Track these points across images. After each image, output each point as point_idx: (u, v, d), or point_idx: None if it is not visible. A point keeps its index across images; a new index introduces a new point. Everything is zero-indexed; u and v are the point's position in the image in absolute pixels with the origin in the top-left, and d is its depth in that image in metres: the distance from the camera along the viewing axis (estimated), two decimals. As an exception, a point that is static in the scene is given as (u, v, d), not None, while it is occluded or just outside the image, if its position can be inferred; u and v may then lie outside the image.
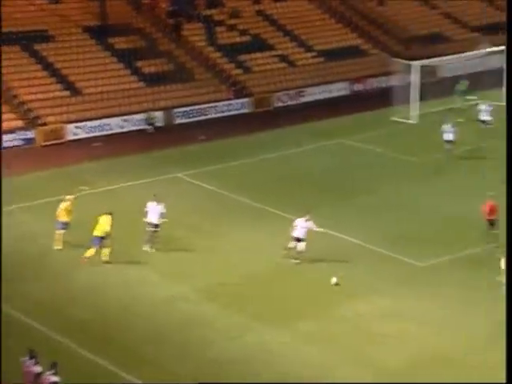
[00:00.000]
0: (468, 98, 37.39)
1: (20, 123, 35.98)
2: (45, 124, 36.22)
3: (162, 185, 30.02)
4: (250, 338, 20.24)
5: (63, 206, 24.85)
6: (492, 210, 24.47)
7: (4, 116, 35.38)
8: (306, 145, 34.64)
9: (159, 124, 37.93)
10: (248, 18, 45.48)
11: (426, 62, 38.50)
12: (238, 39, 43.85)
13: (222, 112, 39.58)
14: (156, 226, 24.54)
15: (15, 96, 37.12)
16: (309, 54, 44.17)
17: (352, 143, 34.80)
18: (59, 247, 24.55)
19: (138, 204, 25.96)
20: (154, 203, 24.62)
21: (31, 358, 16.81)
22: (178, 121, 38.68)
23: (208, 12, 45.00)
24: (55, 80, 38.51)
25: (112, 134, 36.75)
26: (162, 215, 24.58)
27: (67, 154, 34.12)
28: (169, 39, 42.77)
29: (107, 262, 23.74)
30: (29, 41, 39.48)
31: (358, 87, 42.66)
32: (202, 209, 28.31)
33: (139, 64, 40.63)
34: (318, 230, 23.82)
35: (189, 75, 41.05)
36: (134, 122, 37.60)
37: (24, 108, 36.86)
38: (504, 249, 21.71)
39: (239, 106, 40.14)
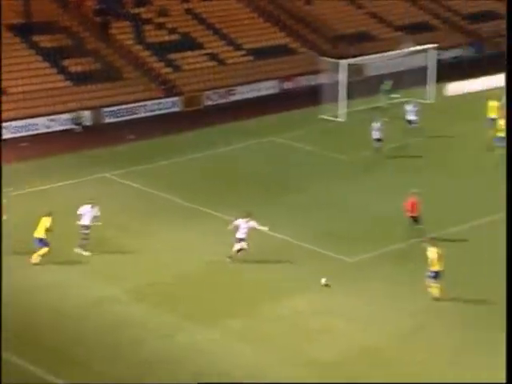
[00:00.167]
0: (393, 96, 38.13)
1: None
2: (-31, 124, 35.28)
3: (90, 185, 29.64)
4: (181, 337, 20.19)
5: None
6: (414, 207, 25.05)
7: None
8: (236, 143, 34.72)
9: (87, 123, 37.42)
10: (177, 16, 45.28)
11: (353, 60, 39.13)
12: (166, 38, 43.61)
13: (152, 111, 39.31)
14: (88, 228, 24.27)
15: None
16: (238, 53, 44.29)
17: (282, 141, 35.06)
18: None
19: (68, 205, 25.51)
20: (89, 206, 24.34)
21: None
22: (107, 120, 38.23)
23: (136, 10, 44.60)
24: (-22, 79, 37.53)
25: (39, 134, 36.07)
26: (95, 218, 24.33)
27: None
28: (96, 38, 42.20)
29: (36, 264, 23.36)
30: (-50, 39, 38.36)
31: (287, 85, 43.00)
32: (132, 209, 28.06)
33: (66, 63, 39.95)
34: (260, 228, 23.86)
35: (117, 74, 40.61)
36: (61, 122, 36.98)
37: None
38: (431, 240, 22.43)
39: (169, 104, 39.93)
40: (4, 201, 25.11)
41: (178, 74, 42.02)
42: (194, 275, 23.41)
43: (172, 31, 43.95)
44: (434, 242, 22.42)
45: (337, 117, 37.33)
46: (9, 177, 29.93)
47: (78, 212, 24.30)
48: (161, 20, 44.44)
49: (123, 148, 34.53)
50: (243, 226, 23.65)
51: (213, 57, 43.52)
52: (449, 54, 46.23)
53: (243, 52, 44.36)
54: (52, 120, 36.79)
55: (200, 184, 30.34)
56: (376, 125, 32.11)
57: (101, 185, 30.01)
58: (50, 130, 36.55)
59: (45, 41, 40.50)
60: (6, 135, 35.51)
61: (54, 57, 39.83)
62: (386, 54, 40.13)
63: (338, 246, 24.83)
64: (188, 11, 45.97)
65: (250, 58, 44.13)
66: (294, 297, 22.11)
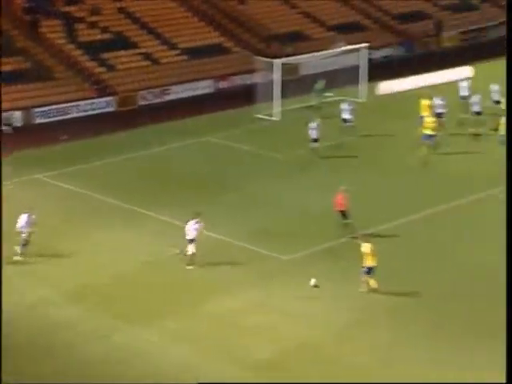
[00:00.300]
0: (326, 95, 38.54)
1: None
2: None
3: (22, 187, 29.07)
4: (118, 338, 20.02)
5: None
6: (341, 202, 25.44)
7: None
8: (172, 143, 34.56)
9: (18, 124, 36.64)
10: (109, 15, 44.77)
11: (287, 59, 39.39)
12: (99, 37, 43.07)
13: (85, 111, 38.77)
14: (26, 233, 23.89)
15: None
16: (172, 52, 44.08)
17: (217, 141, 35.07)
18: None
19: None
20: (27, 214, 23.97)
21: None
22: (38, 121, 37.52)
23: (67, 9, 43.90)
24: None
25: (-33, 136, 35.15)
26: (31, 224, 23.95)
27: None
28: (26, 36, 41.35)
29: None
30: None
31: (222, 85, 43.02)
32: (66, 211, 27.65)
33: (-5, 62, 39.05)
34: (204, 232, 23.76)
35: (48, 74, 39.89)
36: (-10, 123, 36.13)
37: None
38: (364, 237, 22.83)
39: (103, 104, 39.46)
40: None
41: (112, 74, 41.55)
42: (131, 276, 23.23)
43: (105, 30, 43.43)
44: (367, 238, 22.82)
45: (272, 116, 37.54)
46: None
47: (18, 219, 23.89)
48: (93, 19, 43.86)
49: (56, 149, 33.96)
50: (192, 227, 23.53)
51: (147, 56, 43.20)
52: (380, 54, 47.01)
53: (177, 51, 44.17)
54: (-19, 121, 35.94)
55: (135, 184, 30.09)
56: (313, 125, 32.39)
57: (33, 187, 29.46)
58: (-21, 131, 35.68)
59: (-28, 40, 39.53)
60: None
61: (-18, 56, 38.90)
62: (319, 53, 40.57)
63: (274, 243, 24.99)
64: (121, 10, 45.50)
65: (185, 57, 43.98)
66: (231, 295, 22.16)
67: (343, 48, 41.52)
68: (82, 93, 39.66)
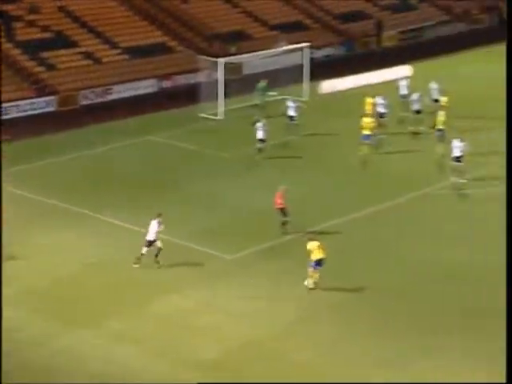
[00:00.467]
0: (269, 94, 38.71)
1: None
2: None
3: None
4: (61, 341, 19.77)
5: None
6: (280, 200, 25.60)
7: None
8: (115, 143, 34.25)
9: (-44, 125, 35.76)
10: (49, 14, 44.09)
11: (230, 59, 39.43)
12: (39, 35, 42.40)
13: (25, 111, 38.13)
14: None
15: None
16: (114, 51, 43.68)
17: (161, 140, 34.89)
18: None
19: None
20: None
21: None
22: (-23, 121, 36.69)
23: (4, 7, 43.03)
24: None
25: None
26: None
27: None
28: (-38, 35, 40.44)
29: None
30: None
31: (166, 84, 42.82)
32: (6, 212, 27.06)
33: None
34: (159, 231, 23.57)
35: (-14, 73, 39.04)
36: None
37: None
38: (309, 234, 23.06)
39: (43, 104, 38.86)
40: None
41: (52, 73, 40.95)
42: (74, 278, 22.95)
43: (44, 29, 42.77)
44: (313, 235, 23.05)
45: (216, 115, 37.54)
46: None
47: None
48: (32, 17, 43.13)
49: (-5, 150, 33.27)
50: (154, 227, 23.39)
51: (88, 55, 42.70)
52: (321, 53, 47.49)
53: (119, 50, 43.80)
54: None
55: (77, 185, 29.73)
56: (259, 125, 32.44)
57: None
58: None
59: None
60: None
61: None
62: (262, 52, 40.75)
63: (218, 243, 25.01)
64: (61, 9, 44.86)
65: (127, 56, 43.63)
66: (175, 295, 22.11)
67: (286, 47, 41.80)
68: (21, 92, 38.98)
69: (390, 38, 51.34)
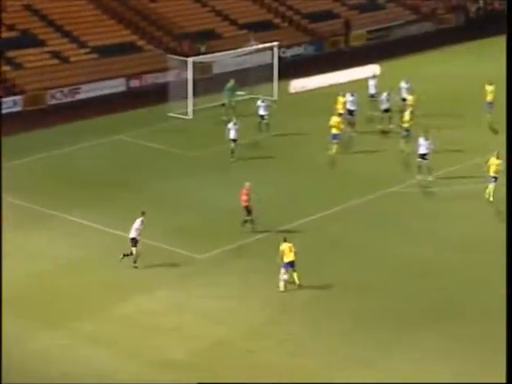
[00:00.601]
0: (238, 93, 38.73)
1: None
2: None
3: None
4: (31, 343, 19.65)
5: None
6: (245, 197, 25.64)
7: None
8: (83, 143, 34.03)
9: None
10: (15, 12, 43.59)
11: (199, 58, 39.34)
12: (5, 34, 41.92)
13: (-9, 111, 37.69)
14: None
15: None
16: (82, 51, 43.36)
17: (130, 140, 34.76)
18: None
19: None
20: None
21: None
22: None
23: (-32, 6, 42.56)
24: None
25: None
26: None
27: None
28: None
29: None
30: None
31: (135, 83, 42.63)
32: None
33: None
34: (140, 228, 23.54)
35: (-48, 72, 38.57)
36: None
37: None
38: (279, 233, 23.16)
39: (9, 104, 38.43)
40: None
41: (19, 73, 40.52)
42: (42, 279, 22.79)
43: (10, 28, 42.30)
44: (284, 235, 23.11)
45: (185, 114, 37.48)
46: None
47: None
48: (-3, 16, 42.68)
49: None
50: (136, 226, 23.37)
51: (55, 55, 42.34)
52: (290, 52, 47.66)
53: (87, 50, 43.49)
54: None
55: (45, 185, 29.52)
56: (231, 125, 32.42)
57: None
58: None
59: None
60: None
61: None
62: (231, 51, 40.76)
63: (188, 243, 25.00)
64: (27, 7, 44.42)
65: (95, 55, 43.35)
66: (144, 296, 22.07)
67: (255, 46, 41.86)
68: (-13, 92, 38.55)
69: (358, 37, 51.65)
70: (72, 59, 42.59)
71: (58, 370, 18.68)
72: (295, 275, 22.37)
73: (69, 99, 40.10)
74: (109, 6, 47.17)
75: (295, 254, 22.31)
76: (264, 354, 19.60)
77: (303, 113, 38.00)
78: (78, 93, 40.59)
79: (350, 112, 35.03)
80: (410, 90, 36.82)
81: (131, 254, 23.37)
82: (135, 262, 23.40)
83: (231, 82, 37.84)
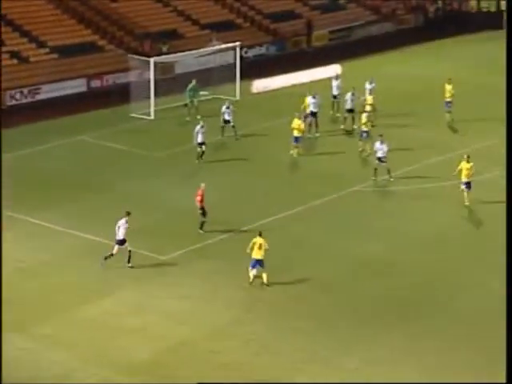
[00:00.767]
0: (200, 93, 38.66)
1: None
2: None
3: None
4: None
5: None
6: (198, 199, 25.64)
7: None
8: (43, 144, 33.69)
9: None
10: (-27, 11, 43.00)
11: (161, 58, 39.22)
12: (-37, 34, 41.32)
13: (-51, 112, 37.07)
14: None
15: None
16: (42, 51, 42.91)
17: (91, 140, 34.51)
18: None
19: None
20: None
21: None
22: None
23: None
24: None
25: None
26: None
27: None
28: None
29: None
30: None
31: (96, 84, 42.33)
32: None
33: None
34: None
35: None
36: None
37: None
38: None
39: (-32, 105, 37.91)
40: None
41: (-22, 73, 39.95)
42: (4, 282, 22.45)
43: (-32, 27, 41.72)
44: (262, 231, 23.06)
45: (147, 115, 37.33)
46: None
47: None
48: (-45, 15, 42.01)
49: None
50: (122, 226, 23.20)
51: (14, 55, 41.81)
52: (253, 52, 47.77)
53: (47, 50, 43.05)
54: None
55: (3, 187, 29.10)
56: (198, 128, 32.26)
57: None
58: None
59: None
60: None
61: None
62: (193, 51, 40.70)
63: (151, 243, 24.93)
64: (-15, 7, 43.82)
65: (55, 55, 42.93)
66: (107, 298, 21.96)
67: (217, 46, 41.86)
68: None
69: (320, 37, 51.98)
70: (32, 59, 42.13)
71: (18, 373, 18.48)
72: (264, 275, 22.44)
73: (29, 100, 39.67)
74: (69, 6, 46.74)
75: (266, 251, 22.37)
76: (228, 353, 19.65)
77: (266, 113, 38.11)
78: (38, 93, 40.16)
79: (313, 114, 35.18)
80: (371, 91, 37.17)
81: (112, 255, 23.20)
82: (129, 261, 23.24)
83: (193, 83, 37.78)
